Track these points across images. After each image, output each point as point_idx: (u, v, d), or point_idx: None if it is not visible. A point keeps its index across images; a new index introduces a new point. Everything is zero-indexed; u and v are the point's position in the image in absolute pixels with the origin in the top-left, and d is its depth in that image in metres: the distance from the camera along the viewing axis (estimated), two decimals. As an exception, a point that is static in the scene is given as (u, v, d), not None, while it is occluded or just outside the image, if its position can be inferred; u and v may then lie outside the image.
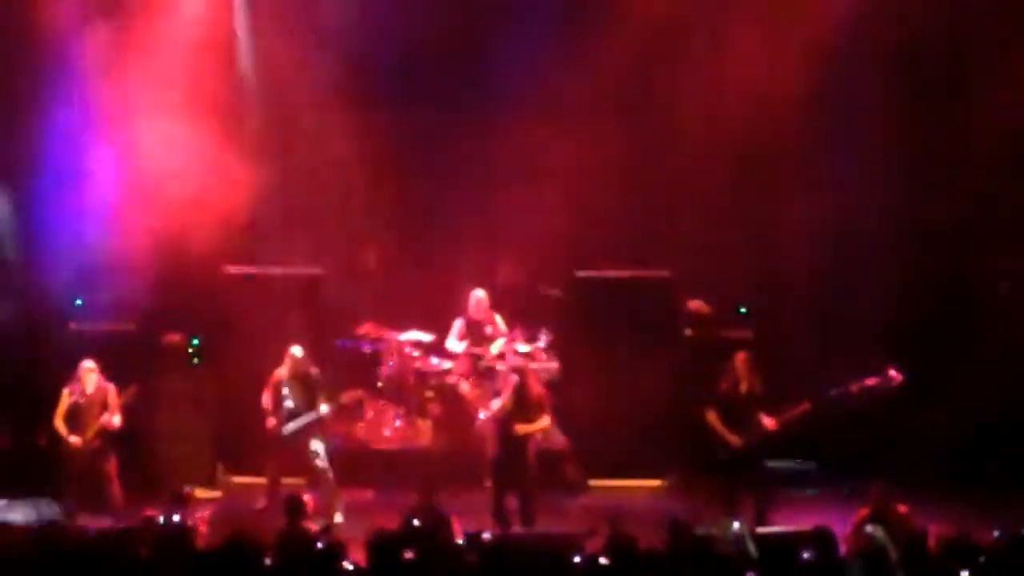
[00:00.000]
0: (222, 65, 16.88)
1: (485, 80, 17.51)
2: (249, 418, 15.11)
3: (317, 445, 14.77)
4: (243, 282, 16.85)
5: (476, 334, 16.62)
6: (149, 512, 11.28)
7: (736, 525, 9.94)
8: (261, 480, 15.08)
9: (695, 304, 16.61)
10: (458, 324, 16.71)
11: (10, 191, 16.70)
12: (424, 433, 16.66)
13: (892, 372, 14.48)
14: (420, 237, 17.77)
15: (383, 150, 17.41)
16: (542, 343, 16.55)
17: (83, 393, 14.47)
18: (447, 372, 16.64)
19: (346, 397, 15.04)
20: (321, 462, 14.72)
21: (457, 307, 16.79)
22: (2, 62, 16.71)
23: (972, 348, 16.66)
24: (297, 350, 14.92)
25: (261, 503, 14.82)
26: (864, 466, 15.55)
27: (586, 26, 17.22)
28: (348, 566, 9.21)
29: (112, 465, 14.43)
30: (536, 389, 14.07)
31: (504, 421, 13.76)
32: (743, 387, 14.12)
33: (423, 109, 17.66)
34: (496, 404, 13.95)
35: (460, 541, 10.25)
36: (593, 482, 16.20)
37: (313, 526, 11.24)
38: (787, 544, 9.55)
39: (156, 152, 16.39)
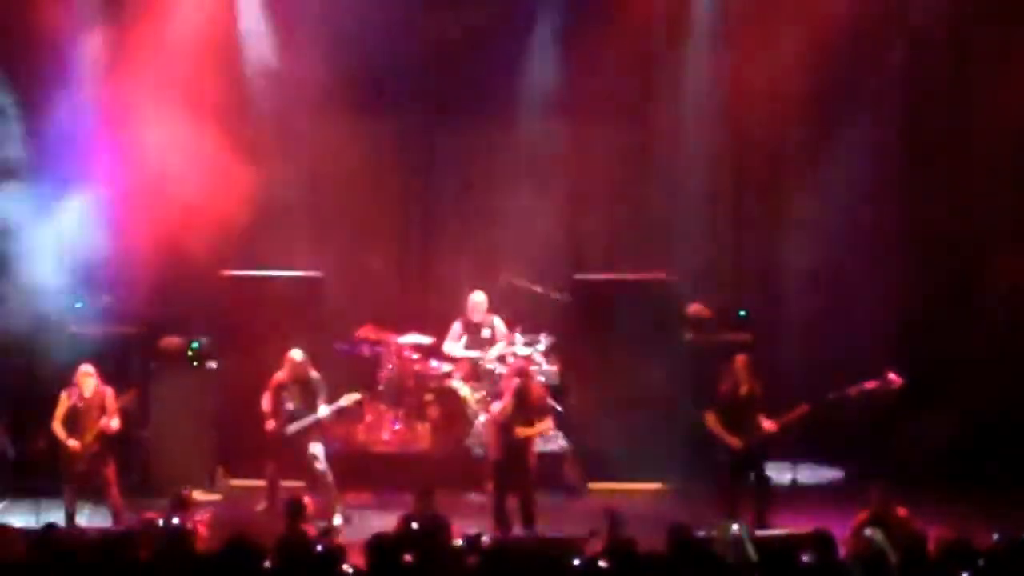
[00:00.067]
0: (223, 69, 16.86)
1: (486, 83, 17.52)
2: (249, 421, 15.09)
3: (316, 448, 14.77)
4: (243, 285, 16.83)
5: (474, 336, 16.62)
6: (149, 515, 11.29)
7: (736, 527, 9.93)
8: (261, 483, 15.06)
9: (695, 307, 16.60)
10: (456, 326, 16.71)
11: (10, 192, 16.67)
12: (423, 436, 16.65)
13: (891, 375, 14.51)
14: (420, 240, 17.77)
15: (383, 153, 17.42)
16: (542, 346, 16.56)
17: (81, 397, 14.44)
18: (447, 375, 16.64)
19: (345, 400, 14.99)
20: (320, 465, 14.72)
21: (457, 310, 16.78)
22: (2, 63, 16.70)
23: (972, 348, 16.67)
24: (297, 353, 14.91)
25: (261, 506, 14.83)
26: (864, 467, 15.59)
27: (586, 27, 17.21)
28: (347, 569, 9.21)
29: (111, 469, 14.41)
30: (537, 392, 14.06)
31: (505, 424, 13.74)
32: (743, 390, 14.13)
33: (423, 112, 17.68)
34: (497, 407, 13.94)
35: (459, 543, 10.25)
36: (593, 485, 16.18)
37: (312, 529, 11.23)
38: (787, 547, 9.54)
39: (156, 155, 16.39)
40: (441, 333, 16.73)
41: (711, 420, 14.11)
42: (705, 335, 16.44)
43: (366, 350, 16.80)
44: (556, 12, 17.53)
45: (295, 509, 11.20)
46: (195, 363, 16.46)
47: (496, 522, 13.57)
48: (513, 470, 13.73)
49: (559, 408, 15.89)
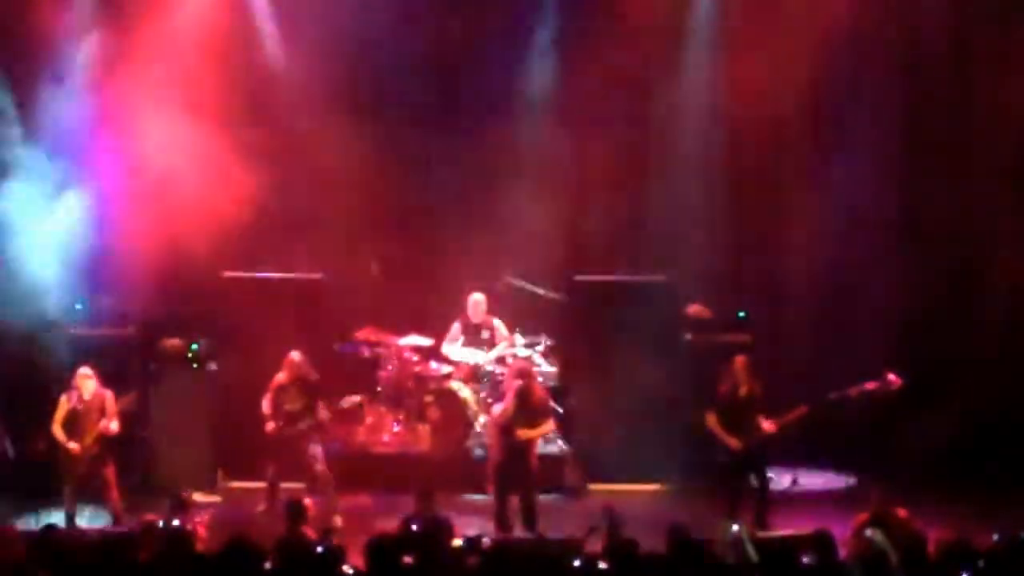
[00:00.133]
0: (223, 69, 16.84)
1: (486, 84, 17.53)
2: (249, 423, 15.09)
3: (316, 449, 14.77)
4: (243, 286, 16.83)
5: (473, 337, 16.62)
6: (149, 517, 11.24)
7: (736, 528, 9.93)
8: (261, 484, 15.06)
9: (695, 308, 16.60)
10: (455, 327, 16.71)
11: (10, 192, 16.66)
12: (423, 437, 16.64)
13: (891, 376, 14.50)
14: (420, 242, 17.76)
15: (382, 155, 17.40)
16: (541, 347, 16.55)
17: (80, 399, 14.44)
18: (447, 376, 16.63)
19: (345, 402, 15.00)
20: (320, 466, 14.72)
21: (456, 311, 16.79)
22: (2, 63, 16.69)
23: (972, 348, 16.67)
24: (296, 355, 14.92)
25: (261, 507, 14.82)
26: (864, 468, 15.59)
27: (586, 27, 17.21)
28: (348, 570, 9.21)
29: (111, 470, 14.40)
30: (539, 393, 14.06)
31: (506, 426, 13.73)
32: (742, 391, 14.13)
33: (423, 113, 17.66)
34: (498, 409, 13.93)
35: (459, 544, 10.25)
36: (593, 486, 16.18)
37: (312, 531, 11.22)
38: (787, 548, 9.54)
39: (156, 156, 16.38)
40: (441, 335, 16.74)
41: (711, 421, 14.11)
42: (705, 336, 16.45)
43: (366, 351, 16.80)
44: (556, 13, 17.54)
45: (295, 510, 11.19)
46: (195, 364, 16.46)
47: (498, 524, 13.56)
48: (515, 472, 13.71)
49: (559, 409, 15.89)
